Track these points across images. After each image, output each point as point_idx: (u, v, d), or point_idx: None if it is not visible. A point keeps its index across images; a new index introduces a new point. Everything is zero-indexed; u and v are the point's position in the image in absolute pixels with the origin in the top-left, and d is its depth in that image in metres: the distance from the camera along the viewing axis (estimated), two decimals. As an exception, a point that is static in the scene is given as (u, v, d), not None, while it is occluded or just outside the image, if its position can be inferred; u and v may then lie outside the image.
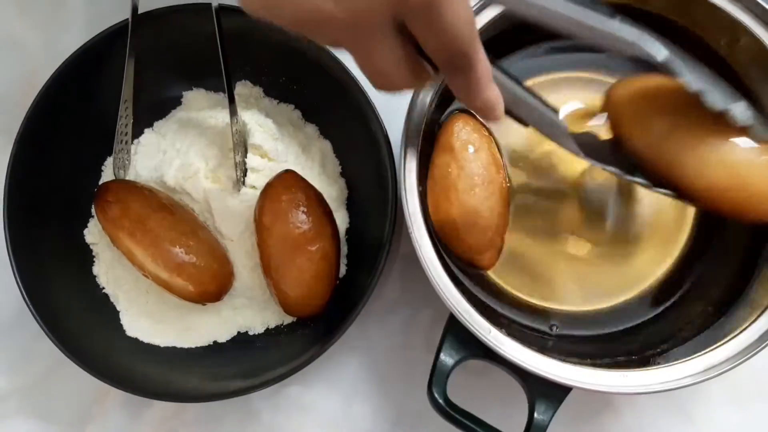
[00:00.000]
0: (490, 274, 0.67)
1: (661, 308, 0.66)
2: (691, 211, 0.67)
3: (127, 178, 0.73)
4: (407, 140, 0.60)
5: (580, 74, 0.69)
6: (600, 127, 0.60)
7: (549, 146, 0.67)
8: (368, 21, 0.42)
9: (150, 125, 0.75)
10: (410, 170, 0.59)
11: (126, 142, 0.72)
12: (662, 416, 0.70)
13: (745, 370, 0.55)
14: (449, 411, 0.57)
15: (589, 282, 0.66)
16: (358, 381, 0.72)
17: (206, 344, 0.71)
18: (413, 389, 0.70)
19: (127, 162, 0.73)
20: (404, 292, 0.73)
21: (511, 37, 0.63)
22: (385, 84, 0.46)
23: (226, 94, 0.69)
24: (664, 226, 0.67)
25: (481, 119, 0.63)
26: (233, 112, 0.70)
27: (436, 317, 0.72)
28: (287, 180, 0.68)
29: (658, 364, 0.57)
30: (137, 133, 0.74)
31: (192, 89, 0.75)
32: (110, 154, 0.73)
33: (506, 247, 0.67)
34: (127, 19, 0.68)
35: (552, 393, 0.56)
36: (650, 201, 0.67)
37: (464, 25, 0.43)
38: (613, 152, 0.56)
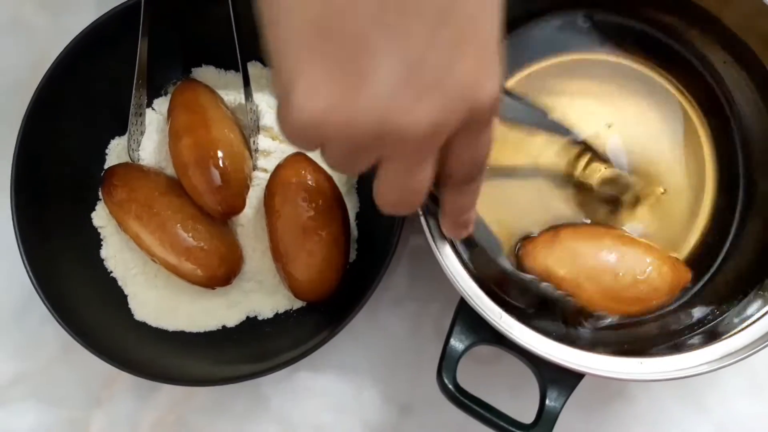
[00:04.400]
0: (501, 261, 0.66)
1: (681, 297, 0.64)
2: (707, 202, 0.66)
3: (141, 159, 0.72)
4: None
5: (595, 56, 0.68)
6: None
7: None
8: (441, 133, 0.37)
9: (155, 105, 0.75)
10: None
11: (141, 123, 0.72)
12: (677, 405, 0.69)
13: (762, 358, 0.54)
14: (459, 397, 0.56)
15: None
16: (367, 367, 0.71)
17: (215, 329, 0.70)
18: (423, 376, 0.70)
19: (140, 143, 0.72)
20: (413, 284, 0.73)
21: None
22: (404, 204, 0.42)
23: (240, 73, 0.69)
24: (679, 215, 0.65)
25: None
26: (248, 95, 0.69)
27: (445, 308, 0.71)
28: (297, 163, 0.67)
29: (675, 351, 0.56)
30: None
31: (201, 66, 0.75)
32: (115, 137, 0.73)
33: (520, 234, 0.66)
34: (135, -1, 0.67)
35: (564, 379, 0.55)
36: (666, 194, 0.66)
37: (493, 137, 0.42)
38: None
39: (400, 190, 0.41)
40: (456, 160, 0.42)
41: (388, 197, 0.41)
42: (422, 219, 0.56)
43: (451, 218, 0.50)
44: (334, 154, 0.38)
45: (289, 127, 0.36)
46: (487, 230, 0.58)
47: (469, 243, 0.59)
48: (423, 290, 0.72)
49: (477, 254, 0.59)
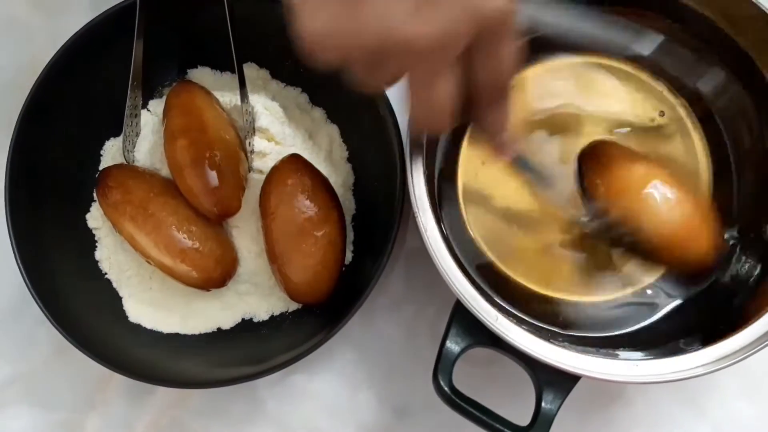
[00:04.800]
0: (498, 263, 0.66)
1: (678, 299, 0.64)
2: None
3: (136, 160, 0.72)
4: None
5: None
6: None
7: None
8: (450, 44, 0.41)
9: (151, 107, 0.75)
10: (418, 153, 0.58)
11: (136, 124, 0.71)
12: (674, 408, 0.69)
13: (758, 361, 0.54)
14: (455, 399, 0.56)
15: (603, 272, 0.65)
16: (363, 370, 0.71)
17: (210, 331, 0.70)
18: (418, 379, 0.69)
19: (136, 144, 0.72)
20: (409, 288, 0.72)
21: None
22: (431, 119, 0.46)
23: (236, 74, 0.68)
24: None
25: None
26: (244, 97, 0.69)
27: (441, 312, 0.70)
28: (293, 164, 0.67)
29: (671, 353, 0.55)
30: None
31: (197, 67, 0.74)
32: (110, 138, 0.73)
33: (516, 237, 0.66)
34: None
35: (560, 382, 0.55)
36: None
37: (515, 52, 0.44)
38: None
39: (424, 103, 0.44)
40: (478, 73, 0.44)
41: (415, 109, 0.45)
42: (419, 220, 0.56)
43: (495, 135, 0.51)
44: (354, 66, 0.43)
45: (302, 43, 0.42)
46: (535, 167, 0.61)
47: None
48: (419, 294, 0.72)
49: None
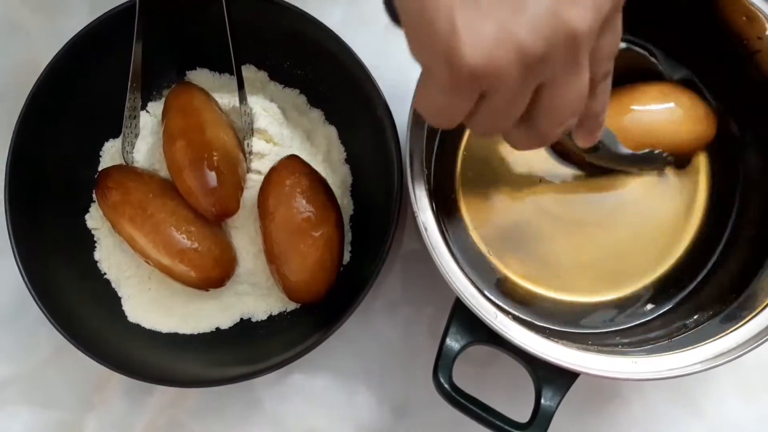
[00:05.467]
0: (497, 263, 0.66)
1: (674, 299, 0.65)
2: (701, 198, 0.66)
3: (135, 161, 0.72)
4: (414, 125, 0.59)
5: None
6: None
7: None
8: (596, 29, 0.38)
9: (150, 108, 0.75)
10: (416, 153, 0.58)
11: (135, 125, 0.72)
12: (671, 407, 0.69)
13: (755, 361, 0.55)
14: (455, 396, 0.56)
15: (599, 271, 0.66)
16: (361, 370, 0.72)
17: (209, 331, 0.70)
18: (416, 379, 0.70)
19: (135, 145, 0.72)
20: (406, 290, 0.73)
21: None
22: (561, 123, 0.41)
23: (234, 76, 0.69)
24: (673, 215, 0.66)
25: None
26: (242, 98, 0.69)
27: (438, 313, 0.71)
28: (291, 165, 0.67)
29: (668, 350, 0.56)
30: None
31: (196, 69, 0.75)
32: (109, 139, 0.73)
33: (514, 237, 0.66)
34: (129, 1, 0.67)
35: (559, 379, 0.56)
36: (661, 189, 0.66)
37: None
38: None
39: (560, 105, 0.40)
40: (602, 51, 0.41)
41: (554, 115, 0.41)
42: (418, 219, 0.56)
43: (590, 122, 0.47)
44: (502, 93, 0.38)
45: (461, 75, 0.36)
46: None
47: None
48: (416, 295, 0.73)
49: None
